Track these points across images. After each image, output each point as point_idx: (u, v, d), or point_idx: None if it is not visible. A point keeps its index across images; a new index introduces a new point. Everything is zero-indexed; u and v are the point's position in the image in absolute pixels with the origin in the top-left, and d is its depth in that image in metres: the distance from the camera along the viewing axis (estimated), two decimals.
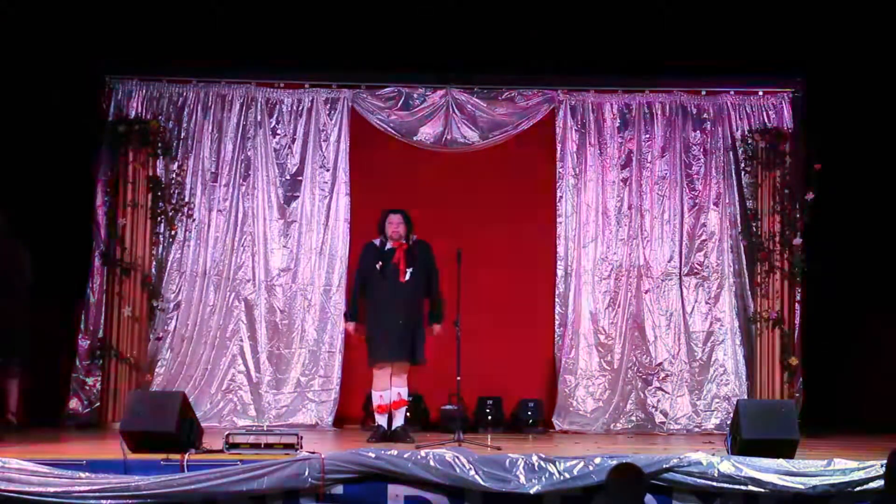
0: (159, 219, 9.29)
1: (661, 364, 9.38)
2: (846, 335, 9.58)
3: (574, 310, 9.47)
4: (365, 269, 7.87)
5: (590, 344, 9.44)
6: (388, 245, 7.79)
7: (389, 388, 7.73)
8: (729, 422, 7.36)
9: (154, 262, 9.27)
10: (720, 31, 9.21)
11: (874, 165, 9.38)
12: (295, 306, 9.40)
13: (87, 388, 9.07)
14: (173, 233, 9.34)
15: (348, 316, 8.08)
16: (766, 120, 9.58)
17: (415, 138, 9.60)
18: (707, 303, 9.49)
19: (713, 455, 6.14)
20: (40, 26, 8.97)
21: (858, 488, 5.97)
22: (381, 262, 7.73)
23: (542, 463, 5.99)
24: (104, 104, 9.33)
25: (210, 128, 9.49)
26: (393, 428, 7.70)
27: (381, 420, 7.79)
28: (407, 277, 7.67)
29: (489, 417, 9.03)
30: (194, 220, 9.40)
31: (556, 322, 9.51)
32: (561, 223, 9.57)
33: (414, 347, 7.70)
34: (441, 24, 9.15)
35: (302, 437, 6.45)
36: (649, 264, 9.52)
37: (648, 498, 5.89)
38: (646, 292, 9.48)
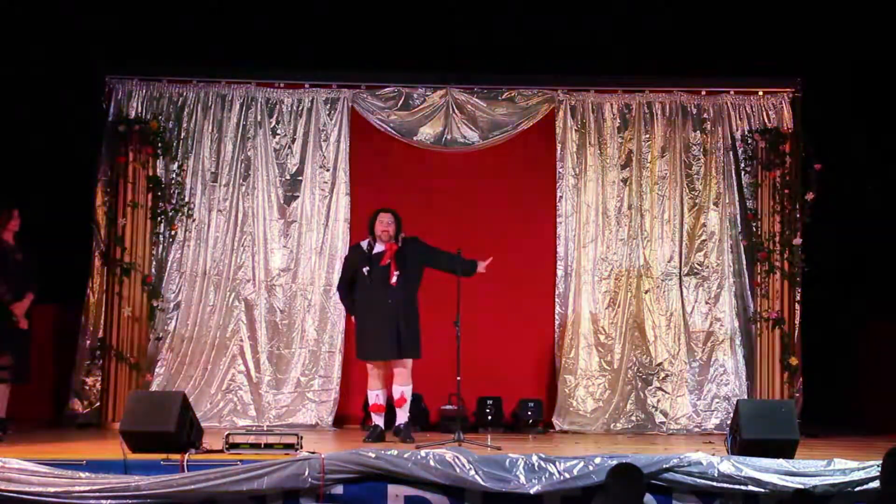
0: (159, 219, 9.28)
1: (661, 364, 9.38)
2: (846, 335, 9.59)
3: (574, 310, 9.47)
4: (351, 272, 7.87)
5: (590, 344, 9.44)
6: (377, 247, 7.78)
7: (384, 388, 7.74)
8: (729, 422, 7.36)
9: (154, 262, 9.26)
10: (720, 32, 9.22)
11: (874, 165, 9.39)
12: (295, 306, 9.40)
13: (87, 388, 9.07)
14: (173, 233, 9.33)
15: (349, 311, 8.22)
16: (766, 120, 9.58)
17: (415, 138, 9.60)
18: (707, 303, 9.49)
19: (713, 455, 6.15)
20: (41, 26, 8.97)
21: (858, 488, 5.98)
22: (368, 267, 7.71)
23: (542, 463, 5.99)
24: (104, 104, 9.33)
25: (210, 128, 9.49)
26: (396, 424, 7.70)
27: (378, 420, 7.80)
28: (395, 280, 7.66)
29: (489, 417, 9.02)
30: (194, 220, 9.40)
31: (556, 322, 9.51)
32: (561, 223, 9.57)
33: (406, 342, 7.66)
34: (441, 24, 9.16)
35: (302, 437, 6.47)
36: (649, 264, 9.52)
37: (648, 498, 5.89)
38: (646, 292, 9.48)
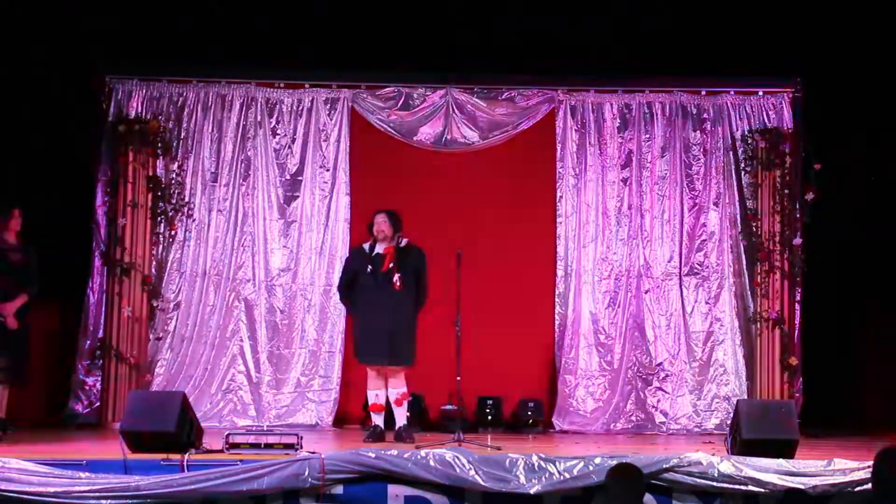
0: (159, 219, 9.29)
1: (661, 364, 9.38)
2: (846, 335, 9.58)
3: (574, 310, 9.47)
4: (352, 273, 7.87)
5: (590, 344, 9.44)
6: (378, 249, 7.78)
7: (383, 388, 7.75)
8: (729, 422, 7.36)
9: (154, 262, 9.27)
10: (720, 32, 9.22)
11: (874, 165, 9.39)
12: (295, 306, 9.40)
13: (87, 388, 9.08)
14: (173, 233, 9.34)
15: (350, 312, 8.24)
16: (766, 120, 9.58)
17: (415, 138, 9.60)
18: (707, 303, 9.49)
19: (713, 455, 6.14)
20: (41, 26, 8.97)
21: (858, 488, 5.97)
22: (370, 266, 7.72)
23: (542, 463, 5.99)
24: (104, 104, 9.33)
25: (210, 128, 9.49)
26: (396, 427, 7.70)
27: (378, 420, 7.80)
28: (398, 283, 7.66)
29: (489, 417, 9.03)
30: (194, 220, 9.40)
31: (556, 322, 9.51)
32: (561, 223, 9.57)
33: (402, 350, 7.69)
34: (441, 24, 9.16)
35: (302, 437, 6.45)
36: (649, 264, 9.52)
37: (648, 498, 5.89)
38: (646, 292, 9.48)
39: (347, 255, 8.29)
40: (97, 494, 5.78)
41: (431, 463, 5.95)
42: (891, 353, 9.29)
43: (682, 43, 9.28)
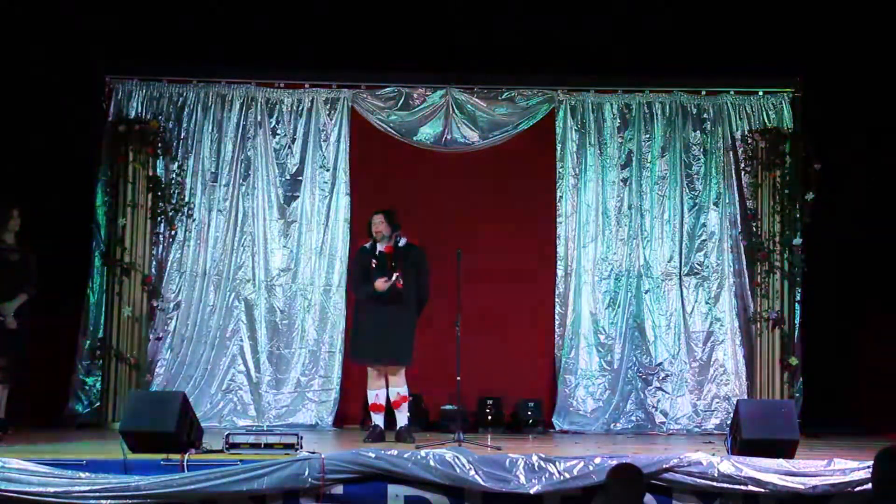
0: (159, 219, 9.30)
1: (661, 364, 9.38)
2: (846, 335, 9.58)
3: (574, 310, 9.47)
4: (363, 269, 7.85)
5: (590, 344, 9.45)
6: (379, 248, 7.78)
7: (383, 388, 7.74)
8: (729, 422, 7.36)
9: (154, 262, 9.27)
10: (720, 32, 9.22)
11: (874, 165, 9.39)
12: (295, 306, 9.41)
13: (87, 388, 9.08)
14: (173, 233, 9.34)
15: (370, 288, 7.62)
16: (766, 120, 9.59)
17: (415, 138, 9.61)
18: (707, 303, 9.49)
19: (713, 455, 6.14)
20: (41, 26, 8.98)
21: (858, 488, 5.97)
22: (375, 263, 7.71)
23: (542, 463, 5.99)
24: (104, 104, 9.33)
25: (210, 128, 9.50)
26: (398, 427, 7.70)
27: (378, 420, 7.79)
28: (400, 283, 7.65)
29: (489, 417, 9.03)
30: (194, 220, 9.41)
31: (556, 322, 9.51)
32: (561, 223, 9.58)
33: (400, 350, 7.68)
34: (441, 24, 9.16)
35: (302, 437, 6.45)
36: (649, 264, 9.52)
37: (648, 498, 5.90)
38: (646, 292, 9.48)
39: (355, 256, 8.21)
40: (97, 494, 5.78)
41: (431, 463, 5.96)
42: (891, 353, 9.28)
43: (682, 43, 9.28)
